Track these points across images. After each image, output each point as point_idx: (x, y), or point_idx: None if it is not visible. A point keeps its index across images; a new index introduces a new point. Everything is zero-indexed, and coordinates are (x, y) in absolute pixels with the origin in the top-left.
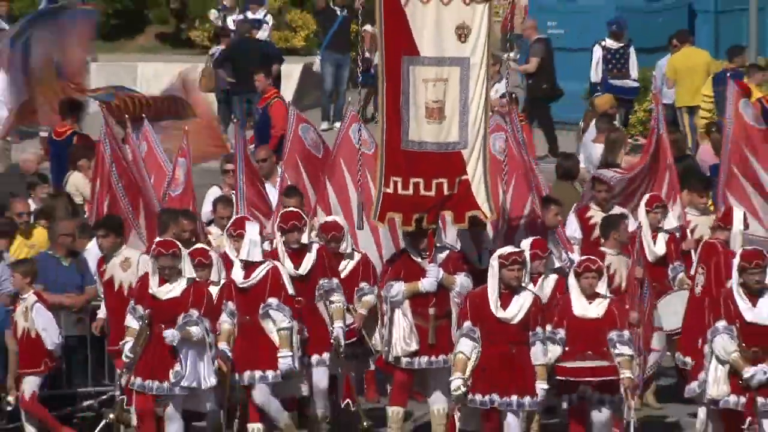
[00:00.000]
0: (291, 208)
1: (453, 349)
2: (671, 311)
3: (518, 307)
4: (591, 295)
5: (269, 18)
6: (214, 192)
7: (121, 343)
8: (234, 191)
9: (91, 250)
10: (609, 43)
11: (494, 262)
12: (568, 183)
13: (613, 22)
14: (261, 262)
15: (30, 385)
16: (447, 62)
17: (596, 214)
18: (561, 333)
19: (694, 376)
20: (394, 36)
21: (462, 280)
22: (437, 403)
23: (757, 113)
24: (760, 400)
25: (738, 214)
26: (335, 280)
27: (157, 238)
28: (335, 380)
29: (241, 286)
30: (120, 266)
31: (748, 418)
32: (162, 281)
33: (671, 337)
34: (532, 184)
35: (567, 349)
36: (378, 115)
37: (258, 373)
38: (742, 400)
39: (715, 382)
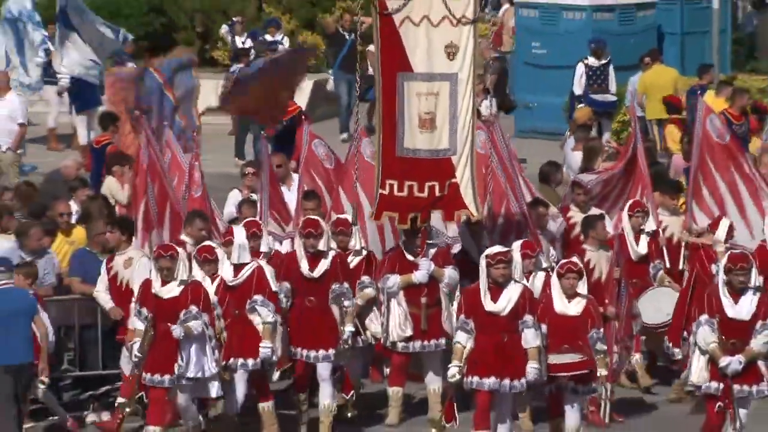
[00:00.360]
0: (311, 216)
1: (444, 334)
2: (653, 307)
3: (506, 300)
4: (571, 295)
5: (285, 40)
6: (234, 195)
7: (129, 343)
8: (252, 193)
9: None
10: (591, 61)
11: (482, 261)
12: (550, 187)
13: (593, 41)
14: (247, 263)
15: None
16: (437, 78)
17: (575, 215)
18: (542, 328)
19: (685, 366)
20: (390, 55)
21: (450, 273)
22: (432, 383)
23: (720, 128)
24: (736, 387)
25: (724, 224)
26: (346, 285)
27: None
28: (342, 371)
29: (230, 284)
30: (123, 264)
31: (719, 404)
32: (164, 282)
33: (655, 329)
34: (517, 186)
35: (547, 342)
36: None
37: (240, 361)
38: (720, 386)
39: (697, 370)
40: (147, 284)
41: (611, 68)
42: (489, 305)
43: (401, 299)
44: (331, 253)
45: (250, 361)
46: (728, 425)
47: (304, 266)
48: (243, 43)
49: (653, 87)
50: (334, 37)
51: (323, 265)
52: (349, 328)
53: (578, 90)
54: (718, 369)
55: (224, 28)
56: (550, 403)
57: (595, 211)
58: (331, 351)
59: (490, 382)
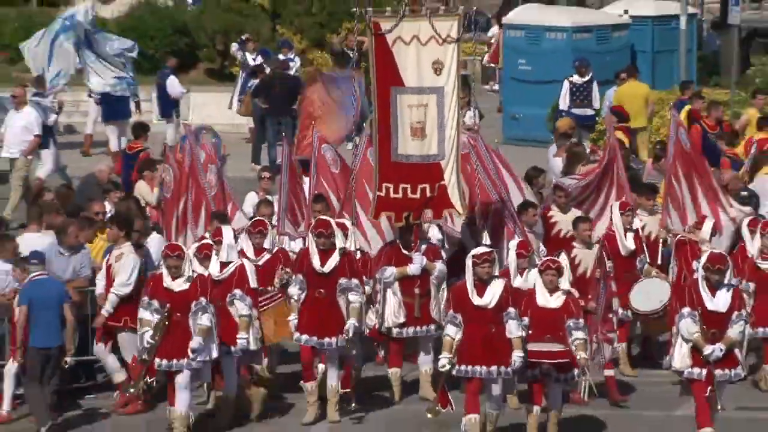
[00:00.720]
0: (323, 217)
1: (434, 321)
2: (644, 296)
3: (491, 295)
4: (552, 289)
5: (297, 59)
6: (251, 196)
7: (140, 332)
8: (267, 195)
9: (152, 243)
10: (575, 78)
11: (468, 261)
12: (533, 189)
13: (577, 60)
14: (232, 261)
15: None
16: (426, 91)
17: (556, 214)
18: (525, 320)
19: (668, 352)
20: (384, 71)
21: (439, 266)
22: (424, 364)
23: (689, 140)
24: (717, 372)
25: (708, 223)
26: (354, 281)
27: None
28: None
29: (216, 278)
30: (116, 257)
31: (709, 388)
32: (174, 277)
33: (648, 316)
34: (503, 191)
35: (530, 333)
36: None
37: (223, 348)
38: (703, 371)
39: (680, 356)
40: (158, 279)
41: (594, 85)
42: (476, 300)
43: (396, 289)
44: (340, 250)
45: (232, 348)
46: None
47: (316, 262)
48: (254, 60)
49: (627, 100)
50: (339, 54)
51: (333, 261)
52: (352, 322)
53: (563, 105)
54: (701, 356)
55: (234, 46)
56: (533, 392)
57: (575, 212)
58: (335, 339)
59: (480, 370)
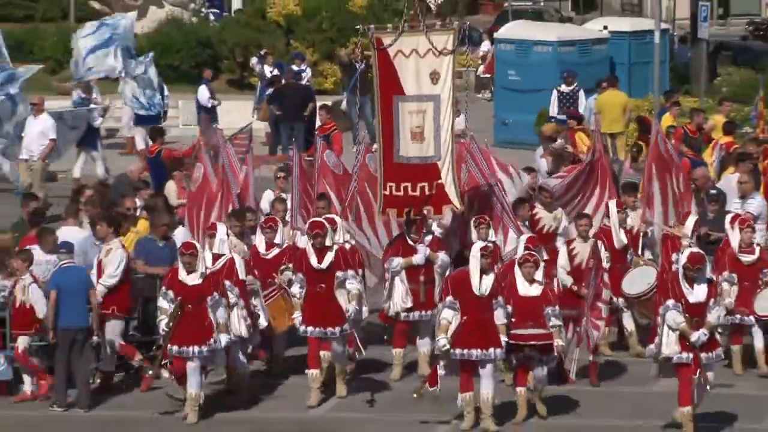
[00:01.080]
0: (316, 219)
1: (437, 306)
2: (634, 282)
3: (487, 285)
4: (530, 280)
5: (308, 70)
6: (268, 194)
7: (158, 320)
8: (282, 193)
9: (178, 236)
10: (563, 87)
11: (476, 253)
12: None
13: (565, 71)
14: (224, 254)
15: (23, 342)
16: (424, 99)
17: (540, 212)
18: (508, 308)
19: (651, 341)
20: (387, 81)
21: (442, 256)
22: (424, 346)
23: (666, 146)
24: (703, 355)
25: (691, 219)
26: (350, 272)
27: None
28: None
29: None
30: (105, 252)
31: (698, 371)
32: (188, 272)
33: (637, 298)
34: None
35: (513, 320)
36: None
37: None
38: (690, 355)
39: (667, 344)
40: (174, 272)
41: (581, 93)
42: (478, 288)
43: (403, 277)
44: (335, 247)
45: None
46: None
47: (313, 260)
48: (271, 72)
49: (607, 107)
50: (347, 65)
51: (329, 257)
52: (352, 307)
53: (552, 111)
54: (688, 342)
55: (254, 60)
56: (517, 375)
57: (558, 210)
58: (337, 329)
59: (476, 353)
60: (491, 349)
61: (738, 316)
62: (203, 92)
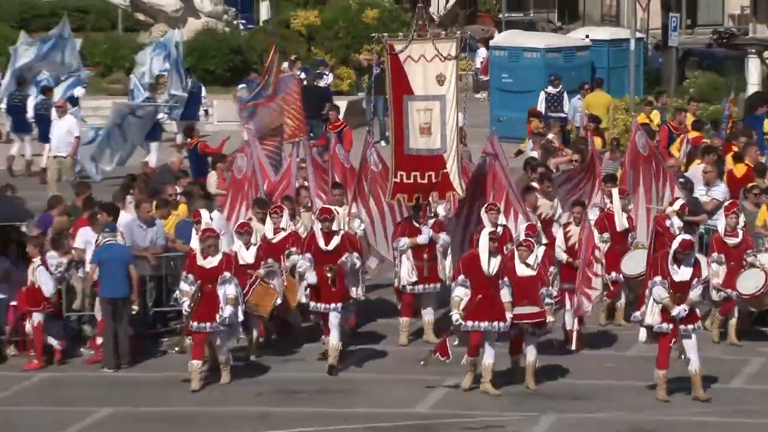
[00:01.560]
0: (326, 206)
1: (439, 280)
2: (630, 263)
3: (495, 266)
4: (525, 263)
5: (330, 74)
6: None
7: (180, 300)
8: (305, 181)
9: (214, 220)
10: (550, 89)
11: (485, 237)
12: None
13: (552, 75)
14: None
15: (36, 317)
16: (431, 98)
17: (540, 200)
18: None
19: (639, 308)
20: (398, 82)
21: (444, 237)
22: (427, 314)
23: (645, 142)
24: (681, 327)
25: (678, 203)
26: (355, 254)
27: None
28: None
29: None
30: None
31: (674, 338)
32: (205, 255)
33: (635, 279)
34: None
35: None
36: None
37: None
38: (670, 326)
39: (651, 315)
40: (193, 258)
41: (565, 94)
42: (487, 269)
43: (409, 255)
44: (341, 232)
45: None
46: (675, 352)
47: (321, 242)
48: (297, 75)
49: (593, 106)
50: (364, 70)
51: (335, 241)
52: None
53: (542, 109)
54: (669, 315)
55: (285, 65)
56: (512, 344)
57: (555, 200)
58: (340, 304)
59: (484, 325)
60: (496, 323)
61: (728, 290)
62: (244, 93)
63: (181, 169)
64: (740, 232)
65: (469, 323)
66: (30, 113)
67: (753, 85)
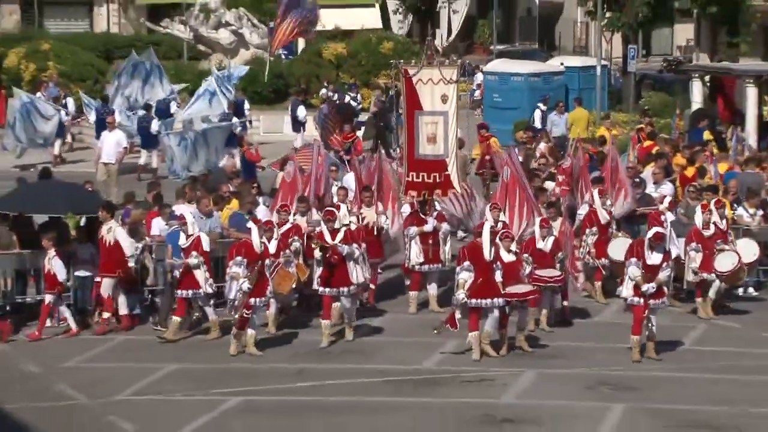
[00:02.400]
0: (329, 208)
1: (441, 261)
2: (614, 250)
3: (493, 253)
4: (509, 250)
5: (359, 95)
6: None
7: (238, 282)
8: (336, 182)
9: (259, 212)
10: (542, 106)
11: (487, 230)
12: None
13: (543, 95)
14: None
15: (48, 298)
16: (437, 114)
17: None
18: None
19: (621, 284)
20: (411, 100)
21: (445, 226)
22: (432, 289)
23: (614, 155)
24: (651, 301)
25: (666, 199)
26: (354, 245)
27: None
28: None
29: (183, 245)
30: (106, 231)
31: (645, 311)
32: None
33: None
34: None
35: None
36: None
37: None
38: (641, 300)
39: (626, 289)
40: (247, 245)
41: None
42: (487, 256)
43: (417, 240)
44: (344, 228)
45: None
46: (645, 323)
47: (328, 238)
48: (331, 96)
49: (576, 120)
50: (381, 90)
51: (339, 236)
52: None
53: (538, 124)
54: (640, 291)
55: (323, 91)
56: (502, 320)
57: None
58: (345, 289)
59: (486, 301)
60: (495, 299)
61: (704, 274)
62: (301, 110)
63: (234, 171)
64: (713, 226)
65: (473, 300)
66: (155, 129)
67: (696, 103)
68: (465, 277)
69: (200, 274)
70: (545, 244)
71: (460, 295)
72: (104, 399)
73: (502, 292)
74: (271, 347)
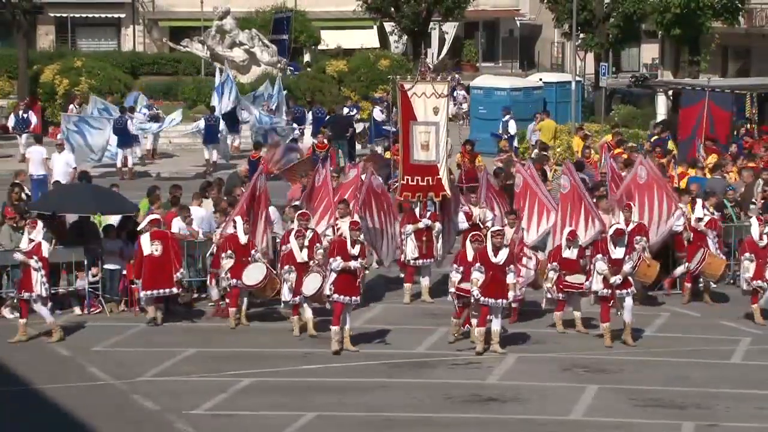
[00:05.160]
0: (353, 219)
1: (434, 256)
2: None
3: (502, 256)
4: (496, 251)
5: (355, 109)
6: None
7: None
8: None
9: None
10: (505, 117)
11: (490, 235)
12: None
13: (506, 107)
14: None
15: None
16: (430, 124)
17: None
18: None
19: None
20: (406, 112)
21: (438, 225)
22: (425, 281)
23: (612, 164)
24: (618, 292)
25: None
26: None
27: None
28: None
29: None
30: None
31: (612, 301)
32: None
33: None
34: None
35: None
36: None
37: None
38: (609, 291)
39: (595, 282)
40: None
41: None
42: (494, 259)
43: (413, 237)
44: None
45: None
46: (615, 312)
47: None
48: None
49: (545, 131)
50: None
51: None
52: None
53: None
54: (608, 283)
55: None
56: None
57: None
58: (352, 298)
59: (492, 300)
60: (500, 300)
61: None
62: (378, 113)
63: (247, 175)
64: (765, 237)
65: (482, 299)
66: (133, 129)
67: (661, 115)
68: (477, 276)
69: (37, 277)
70: (571, 252)
71: (475, 291)
72: (129, 380)
73: (512, 293)
74: (281, 334)
